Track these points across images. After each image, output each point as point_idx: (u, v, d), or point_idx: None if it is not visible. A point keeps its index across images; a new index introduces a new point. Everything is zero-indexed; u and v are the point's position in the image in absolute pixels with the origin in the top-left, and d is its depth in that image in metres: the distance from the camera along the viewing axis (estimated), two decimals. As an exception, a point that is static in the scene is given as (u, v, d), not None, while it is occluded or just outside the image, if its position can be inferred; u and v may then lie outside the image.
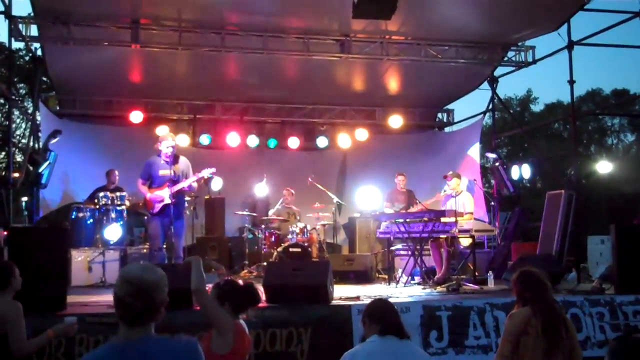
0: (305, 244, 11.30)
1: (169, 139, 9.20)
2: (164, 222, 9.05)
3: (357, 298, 7.51)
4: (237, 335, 4.23)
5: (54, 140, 11.60)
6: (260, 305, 6.99)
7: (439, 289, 8.98)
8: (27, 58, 23.84)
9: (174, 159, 9.17)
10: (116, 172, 12.12)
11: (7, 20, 11.05)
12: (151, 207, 9.14)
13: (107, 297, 7.76)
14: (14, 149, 13.11)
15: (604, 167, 17.94)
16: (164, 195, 9.00)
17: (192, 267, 4.35)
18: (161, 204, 9.04)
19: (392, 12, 9.35)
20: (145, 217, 11.26)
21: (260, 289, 7.59)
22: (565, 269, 10.45)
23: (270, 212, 12.70)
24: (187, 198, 10.18)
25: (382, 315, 4.18)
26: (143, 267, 2.98)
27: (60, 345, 5.96)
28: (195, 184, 9.40)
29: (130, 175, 11.72)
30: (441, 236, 9.66)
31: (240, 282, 4.61)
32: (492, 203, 14.08)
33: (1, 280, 5.00)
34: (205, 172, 9.34)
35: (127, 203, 11.16)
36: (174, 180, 9.02)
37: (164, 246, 9.23)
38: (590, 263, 11.95)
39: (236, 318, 4.37)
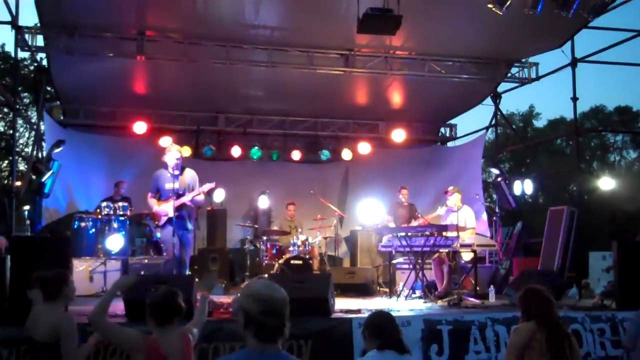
0: (307, 257, 11.28)
1: (175, 151, 9.19)
2: (170, 234, 9.06)
3: (358, 311, 7.50)
4: (150, 351, 4.12)
5: (57, 150, 11.64)
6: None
7: (440, 303, 8.97)
8: (32, 67, 23.96)
9: (180, 172, 9.17)
10: (125, 184, 12.16)
11: (13, 30, 11.11)
12: (158, 219, 9.19)
13: (109, 308, 7.76)
14: (17, 157, 13.13)
15: (606, 183, 17.89)
16: (168, 208, 9.01)
17: (107, 293, 4.49)
18: (166, 217, 9.06)
19: (397, 28, 9.41)
20: (148, 228, 11.29)
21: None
22: (566, 284, 10.43)
23: (273, 225, 12.73)
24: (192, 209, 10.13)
25: (382, 330, 4.16)
26: (269, 285, 3.02)
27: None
28: (201, 197, 9.39)
29: (133, 185, 11.79)
30: (443, 250, 9.66)
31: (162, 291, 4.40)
32: (494, 218, 14.07)
33: (52, 290, 5.01)
34: (205, 187, 9.33)
35: (129, 213, 11.17)
36: (179, 194, 9.02)
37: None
38: (591, 279, 11.95)
39: (161, 332, 4.21)
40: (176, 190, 8.97)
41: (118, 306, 7.27)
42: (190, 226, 9.37)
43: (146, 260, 10.79)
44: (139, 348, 4.14)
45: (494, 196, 16.10)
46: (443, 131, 17.18)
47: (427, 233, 9.52)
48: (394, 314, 5.88)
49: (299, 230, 12.43)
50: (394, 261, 10.87)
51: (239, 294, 3.06)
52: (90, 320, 4.36)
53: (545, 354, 4.48)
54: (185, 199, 9.11)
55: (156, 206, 9.16)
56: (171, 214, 8.95)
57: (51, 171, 11.37)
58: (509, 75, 14.08)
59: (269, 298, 2.93)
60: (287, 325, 2.95)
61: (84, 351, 4.97)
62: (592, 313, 7.74)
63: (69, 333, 4.84)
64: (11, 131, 17.50)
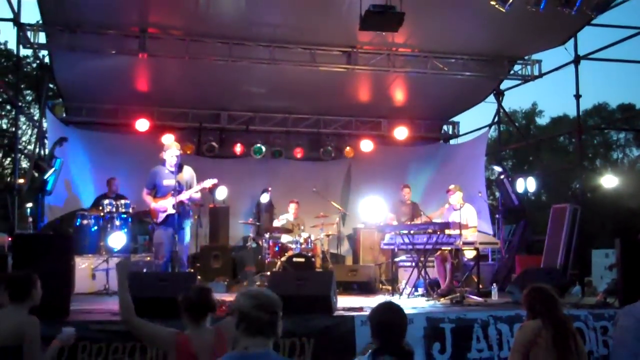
0: (309, 254, 11.28)
1: (174, 148, 9.20)
2: (168, 232, 9.05)
3: (361, 309, 7.50)
4: (179, 347, 4.17)
5: (60, 147, 11.64)
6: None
7: (442, 301, 8.96)
8: (34, 65, 23.96)
9: (179, 169, 9.16)
10: (116, 180, 12.16)
11: (15, 28, 11.11)
12: (155, 216, 9.17)
13: (111, 305, 7.77)
14: (19, 155, 13.09)
15: (609, 181, 17.87)
16: (168, 205, 9.00)
17: (118, 290, 4.47)
18: (165, 214, 9.05)
19: (399, 25, 9.40)
20: (150, 226, 11.28)
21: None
22: (569, 282, 10.43)
23: (275, 222, 12.72)
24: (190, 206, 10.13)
25: (383, 333, 3.91)
26: (264, 288, 3.28)
27: (63, 352, 5.93)
28: (198, 195, 9.38)
29: (136, 183, 11.75)
30: (445, 248, 9.65)
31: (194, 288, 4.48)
32: (497, 216, 14.05)
33: (19, 292, 4.89)
34: (207, 183, 9.33)
35: (131, 211, 11.17)
36: (178, 190, 9.01)
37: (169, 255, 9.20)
38: (594, 277, 11.93)
39: (195, 328, 4.26)
40: (176, 186, 8.97)
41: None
42: (187, 224, 9.38)
43: (148, 258, 10.78)
44: (170, 345, 4.20)
45: (497, 194, 16.10)
46: (446, 129, 17.14)
47: (430, 231, 9.52)
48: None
49: (302, 227, 12.44)
50: (396, 259, 10.88)
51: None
52: (122, 321, 4.43)
53: (551, 350, 4.48)
54: (185, 196, 9.11)
55: (154, 203, 9.15)
56: (170, 210, 8.95)
57: (53, 169, 11.38)
58: (512, 72, 14.06)
59: (262, 295, 3.08)
60: (280, 324, 3.05)
61: (51, 355, 4.81)
62: (595, 311, 7.73)
63: (33, 337, 4.71)
64: (14, 129, 17.47)
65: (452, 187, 10.64)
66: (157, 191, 9.24)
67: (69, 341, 5.03)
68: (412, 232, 9.82)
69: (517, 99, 44.97)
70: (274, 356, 2.99)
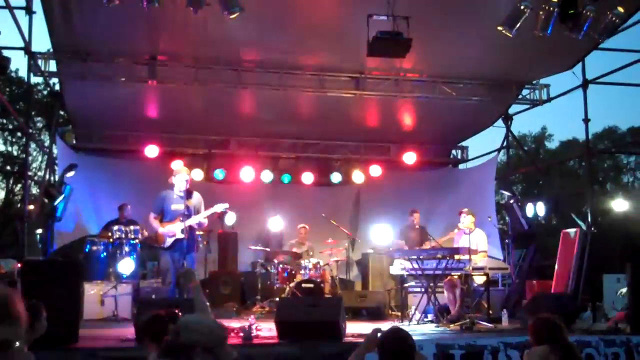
0: (318, 280, 11.25)
1: (184, 173, 9.23)
2: (174, 257, 9.04)
3: (370, 335, 7.44)
4: None
5: (69, 174, 11.69)
6: (272, 341, 7.01)
7: (452, 327, 8.90)
8: (45, 92, 24.20)
9: (188, 194, 9.17)
10: (129, 207, 12.18)
11: (26, 56, 11.24)
12: (162, 241, 9.13)
13: (120, 331, 7.76)
14: (30, 181, 13.18)
15: (620, 205, 17.81)
16: (176, 229, 9.00)
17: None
18: (173, 239, 9.04)
19: (407, 51, 9.44)
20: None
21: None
22: (580, 307, 10.33)
23: (284, 248, 12.71)
24: (199, 233, 10.15)
25: (390, 356, 3.86)
26: (204, 318, 3.56)
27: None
28: (205, 220, 9.39)
29: (146, 209, 11.76)
30: (455, 274, 9.59)
31: None
32: (507, 240, 13.97)
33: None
34: (219, 207, 9.34)
35: (141, 237, 11.17)
36: (187, 215, 9.02)
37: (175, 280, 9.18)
38: (606, 302, 11.82)
39: None
40: (185, 211, 8.98)
41: (129, 330, 7.26)
42: (194, 249, 9.39)
43: (156, 284, 10.76)
44: None
45: (507, 218, 16.00)
46: (454, 153, 17.14)
47: (439, 256, 9.47)
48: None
49: (311, 253, 12.41)
50: (405, 285, 10.82)
51: None
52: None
53: None
54: (194, 220, 9.12)
55: (161, 228, 9.14)
56: (179, 235, 8.95)
57: (63, 195, 11.40)
58: (520, 97, 14.08)
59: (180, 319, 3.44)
60: (185, 350, 3.21)
61: None
62: (606, 337, 7.62)
63: None
64: (24, 155, 17.61)
65: (465, 209, 10.61)
66: (165, 215, 9.24)
67: None
68: (421, 257, 9.77)
69: (526, 123, 44.82)
70: None
